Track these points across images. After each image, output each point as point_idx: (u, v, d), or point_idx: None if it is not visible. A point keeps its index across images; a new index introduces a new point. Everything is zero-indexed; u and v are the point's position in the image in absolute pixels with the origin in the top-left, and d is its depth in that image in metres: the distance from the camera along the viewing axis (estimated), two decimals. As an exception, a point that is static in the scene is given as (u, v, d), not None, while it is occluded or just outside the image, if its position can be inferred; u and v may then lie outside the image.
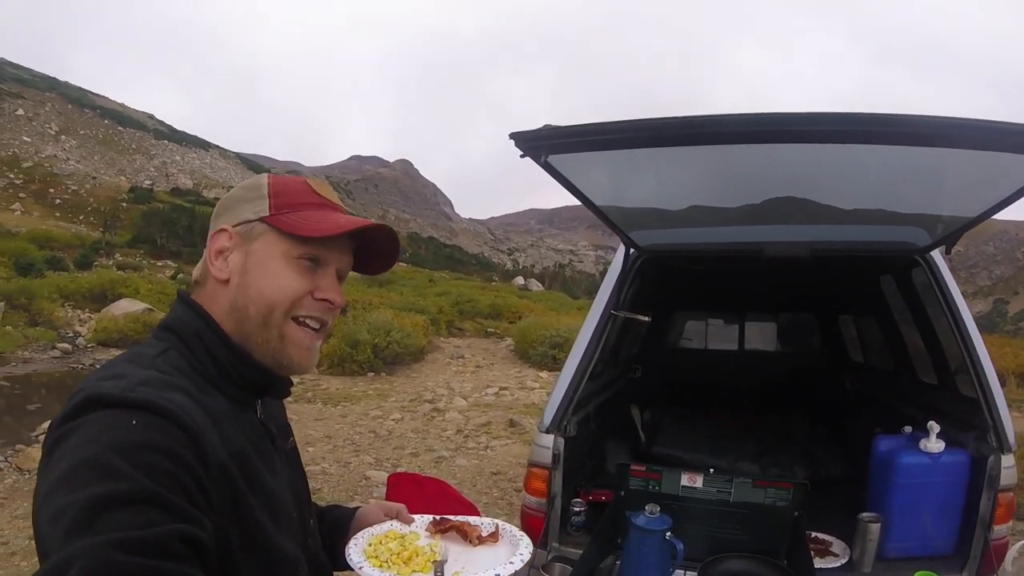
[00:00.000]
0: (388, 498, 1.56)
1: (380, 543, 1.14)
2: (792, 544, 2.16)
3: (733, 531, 2.23)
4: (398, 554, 1.10)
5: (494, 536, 1.23)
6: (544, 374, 12.48)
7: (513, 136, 1.67)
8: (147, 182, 65.03)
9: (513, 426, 8.23)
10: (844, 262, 2.97)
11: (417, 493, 1.70)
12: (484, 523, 1.26)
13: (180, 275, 22.08)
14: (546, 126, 1.66)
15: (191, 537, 0.72)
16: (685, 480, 2.31)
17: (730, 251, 2.88)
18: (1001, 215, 2.10)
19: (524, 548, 1.17)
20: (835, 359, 4.67)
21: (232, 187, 1.04)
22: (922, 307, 2.89)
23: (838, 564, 2.31)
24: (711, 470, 2.31)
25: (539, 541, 2.39)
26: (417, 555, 1.11)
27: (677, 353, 5.02)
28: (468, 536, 1.21)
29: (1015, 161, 1.55)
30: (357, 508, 1.26)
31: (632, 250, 2.85)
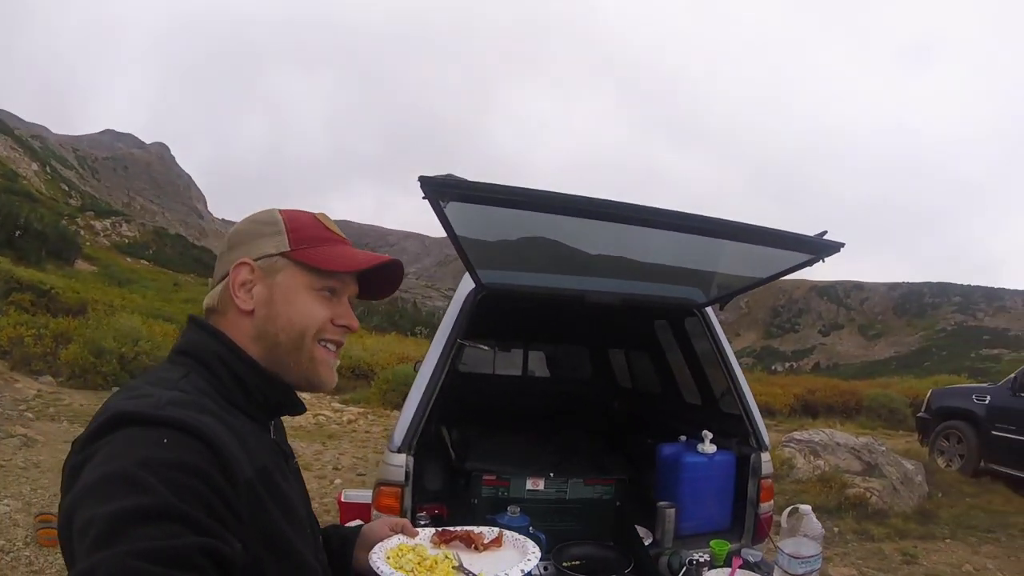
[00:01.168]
0: (342, 520, 1.59)
1: (399, 555, 1.19)
2: (618, 528, 2.63)
3: (571, 523, 2.64)
4: (419, 563, 1.16)
5: (497, 541, 1.31)
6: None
7: (421, 180, 1.90)
8: None
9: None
10: (634, 309, 3.53)
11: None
12: (486, 531, 1.34)
13: None
14: (450, 176, 1.93)
15: (213, 551, 0.75)
16: (530, 484, 2.67)
17: (555, 294, 3.30)
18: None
19: (532, 548, 1.27)
20: (605, 385, 5.45)
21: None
22: (691, 344, 3.65)
23: (647, 544, 2.82)
24: (551, 474, 2.70)
25: None
26: (437, 563, 1.17)
27: (468, 378, 5.40)
28: (473, 543, 1.28)
29: (778, 253, 2.34)
30: (360, 526, 1.31)
31: (478, 285, 3.16)
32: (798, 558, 2.00)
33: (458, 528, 1.33)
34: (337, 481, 6.84)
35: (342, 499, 3.62)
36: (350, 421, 10.48)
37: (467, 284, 3.22)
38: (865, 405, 14.68)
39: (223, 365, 0.98)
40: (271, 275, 1.03)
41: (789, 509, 2.11)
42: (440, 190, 1.94)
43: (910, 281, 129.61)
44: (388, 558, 1.18)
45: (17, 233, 24.06)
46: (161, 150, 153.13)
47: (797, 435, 8.30)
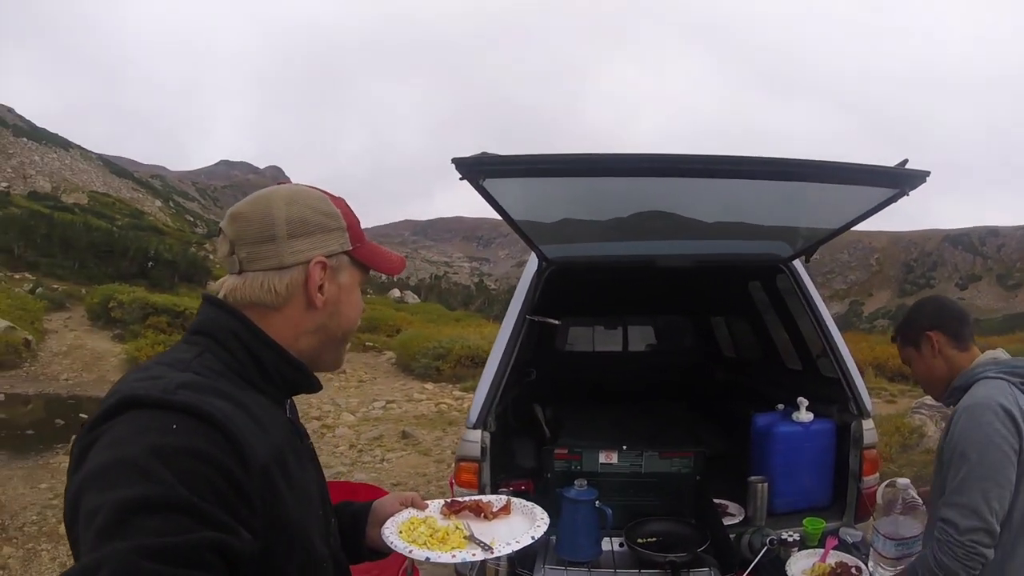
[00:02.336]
0: None
1: (411, 529, 1.19)
2: (697, 504, 2.47)
3: (647, 498, 2.51)
4: (431, 535, 1.17)
5: (506, 509, 1.31)
6: (429, 386, 12.51)
7: (455, 161, 1.90)
8: (3, 183, 57.08)
9: (406, 438, 8.26)
10: (719, 271, 3.38)
11: (351, 499, 1.73)
12: (494, 499, 1.34)
13: (39, 289, 19.72)
14: (483, 153, 1.90)
15: (223, 546, 0.73)
16: (602, 458, 2.57)
17: (625, 262, 3.21)
18: (856, 227, 2.57)
19: (541, 515, 1.27)
20: (708, 354, 5.20)
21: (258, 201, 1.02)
22: (785, 306, 3.39)
23: (736, 522, 2.65)
24: (624, 447, 2.57)
25: None
26: (448, 535, 1.18)
27: (567, 356, 5.34)
28: (483, 512, 1.28)
29: (858, 191, 2.10)
30: (371, 502, 1.29)
31: (543, 262, 3.10)
32: (895, 539, 1.78)
33: (466, 498, 1.33)
34: (454, 466, 7.01)
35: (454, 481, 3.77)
36: (470, 408, 10.70)
37: (534, 262, 3.16)
38: (1005, 361, 13.30)
39: (239, 342, 0.94)
40: (337, 274, 1.02)
41: (886, 483, 1.88)
42: (475, 168, 1.93)
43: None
44: (400, 532, 1.18)
45: (149, 264, 26.29)
46: (276, 173, 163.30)
47: (928, 400, 7.62)
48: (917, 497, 1.84)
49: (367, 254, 1.06)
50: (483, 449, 2.66)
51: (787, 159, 1.97)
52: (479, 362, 14.12)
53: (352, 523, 1.23)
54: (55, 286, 21.33)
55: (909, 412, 7.28)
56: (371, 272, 1.10)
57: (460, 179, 1.96)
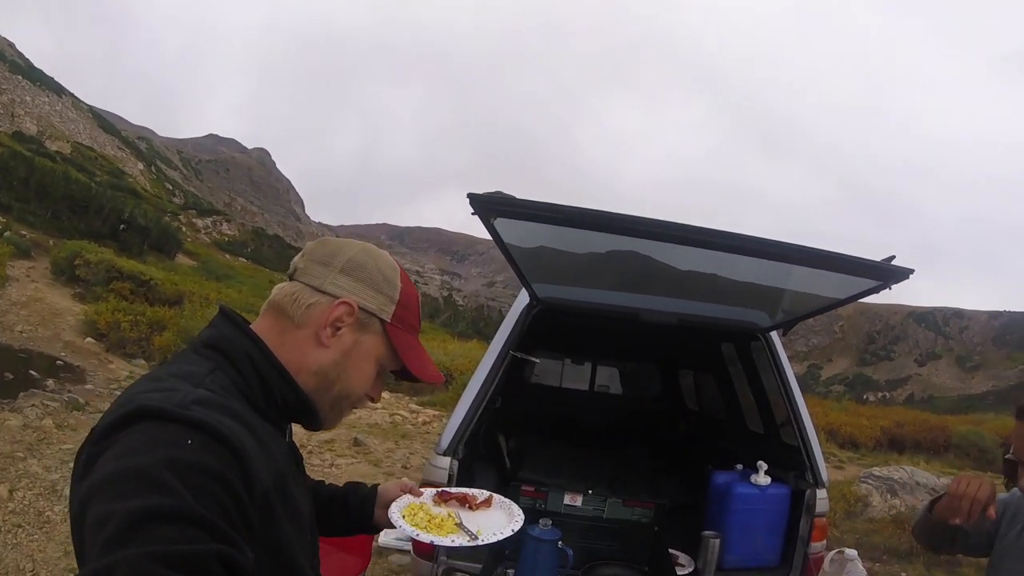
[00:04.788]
0: None
1: (412, 513, 1.33)
2: (653, 553, 2.54)
3: (606, 542, 2.57)
4: (429, 521, 1.32)
5: (488, 502, 1.47)
6: (385, 394, 12.44)
7: (470, 196, 1.98)
8: (-11, 119, 55.20)
9: (358, 445, 8.20)
10: (692, 329, 3.48)
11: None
12: (478, 493, 1.49)
13: (7, 232, 19.15)
14: (498, 193, 1.98)
15: (230, 560, 0.74)
16: (567, 499, 2.62)
17: (611, 311, 3.29)
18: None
19: (517, 512, 1.45)
20: (673, 405, 5.31)
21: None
22: (756, 372, 3.51)
23: (686, 573, 2.72)
24: (589, 491, 2.63)
25: (432, 556, 2.62)
26: (443, 521, 1.33)
27: (534, 388, 5.41)
28: (468, 503, 1.43)
29: (845, 278, 2.24)
30: (376, 485, 1.43)
31: (533, 300, 3.18)
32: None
33: (455, 490, 1.48)
34: (404, 479, 6.96)
35: None
36: (425, 423, 10.66)
37: (524, 298, 3.24)
38: (954, 442, 13.85)
39: (252, 367, 0.96)
40: (363, 331, 1.03)
41: (834, 553, 1.97)
42: (488, 207, 2.01)
43: (1012, 310, 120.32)
44: (404, 516, 1.32)
45: (121, 227, 25.80)
46: (262, 155, 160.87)
47: (876, 471, 7.85)
48: (863, 570, 1.93)
49: (402, 339, 1.07)
50: (450, 476, 2.71)
51: (785, 243, 2.11)
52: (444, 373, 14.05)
53: (360, 505, 1.37)
54: (23, 232, 20.80)
55: (856, 481, 7.47)
56: (404, 373, 1.10)
57: (472, 214, 2.03)
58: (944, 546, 1.71)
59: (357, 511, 1.36)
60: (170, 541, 0.70)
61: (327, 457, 7.52)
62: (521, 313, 3.16)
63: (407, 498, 1.39)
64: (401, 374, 1.13)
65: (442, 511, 1.38)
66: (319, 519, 1.16)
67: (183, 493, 0.73)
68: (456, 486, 2.69)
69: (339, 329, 1.01)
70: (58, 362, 9.96)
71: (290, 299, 1.02)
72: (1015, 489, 1.61)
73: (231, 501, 0.78)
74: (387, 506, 1.35)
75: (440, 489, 1.47)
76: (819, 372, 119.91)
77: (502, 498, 1.50)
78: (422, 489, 1.44)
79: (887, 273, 2.13)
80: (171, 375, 0.90)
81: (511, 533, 1.34)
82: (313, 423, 1.07)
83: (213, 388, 0.89)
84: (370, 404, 1.14)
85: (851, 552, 1.93)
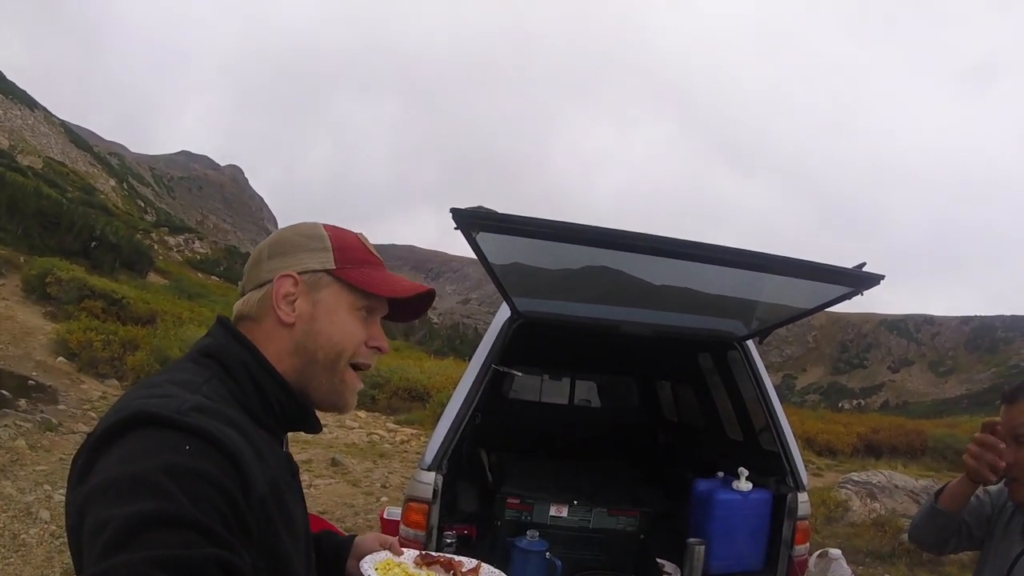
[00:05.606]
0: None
1: (386, 568, 1.24)
2: (639, 562, 2.55)
3: (593, 552, 2.58)
4: None
5: (475, 571, 1.33)
6: (363, 414, 12.31)
7: (453, 211, 1.99)
8: (-42, 131, 53.59)
9: (335, 465, 8.11)
10: (674, 340, 3.53)
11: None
12: (465, 560, 1.36)
13: None
14: (480, 208, 2.00)
15: (228, 564, 0.73)
16: (553, 510, 2.63)
17: (591, 323, 3.32)
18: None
19: None
20: (652, 416, 5.36)
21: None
22: (733, 380, 3.57)
23: (672, 580, 2.74)
24: (575, 501, 2.64)
25: None
26: None
27: (513, 403, 5.41)
28: (452, 569, 1.30)
29: (818, 285, 2.31)
30: (354, 536, 1.33)
31: (514, 314, 3.20)
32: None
33: (441, 554, 1.36)
34: (384, 499, 6.92)
35: (384, 516, 3.74)
36: (403, 441, 10.59)
37: (504, 312, 3.26)
38: (930, 446, 14.11)
39: (248, 375, 0.96)
40: (315, 291, 1.02)
41: (818, 552, 2.00)
42: (470, 221, 2.03)
43: (982, 315, 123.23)
44: (377, 569, 1.22)
45: (92, 244, 25.25)
46: (235, 172, 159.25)
47: (855, 476, 7.95)
48: (848, 568, 1.96)
49: (357, 274, 1.04)
50: (435, 491, 2.69)
51: (758, 252, 2.17)
52: (416, 396, 13.98)
53: (334, 553, 1.27)
54: (-7, 249, 20.26)
55: (835, 487, 7.56)
56: (372, 295, 1.05)
57: (454, 228, 2.04)
58: (950, 542, 1.71)
59: (330, 559, 1.26)
60: (168, 546, 0.69)
61: (305, 478, 7.41)
62: (502, 327, 3.17)
63: (385, 553, 1.29)
64: (391, 315, 1.12)
65: (422, 572, 1.27)
66: None
67: (181, 498, 0.72)
68: (440, 502, 2.70)
69: (293, 302, 1.01)
70: (30, 382, 9.74)
71: (243, 304, 1.04)
72: (999, 486, 1.65)
73: (228, 507, 0.77)
74: (361, 557, 1.26)
75: (423, 552, 1.36)
76: (794, 382, 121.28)
77: (492, 569, 1.37)
78: (403, 549, 1.33)
79: (858, 279, 2.21)
80: (168, 382, 0.90)
81: None
82: (313, 427, 1.06)
83: (210, 396, 0.89)
84: (380, 354, 1.09)
85: (835, 552, 1.97)
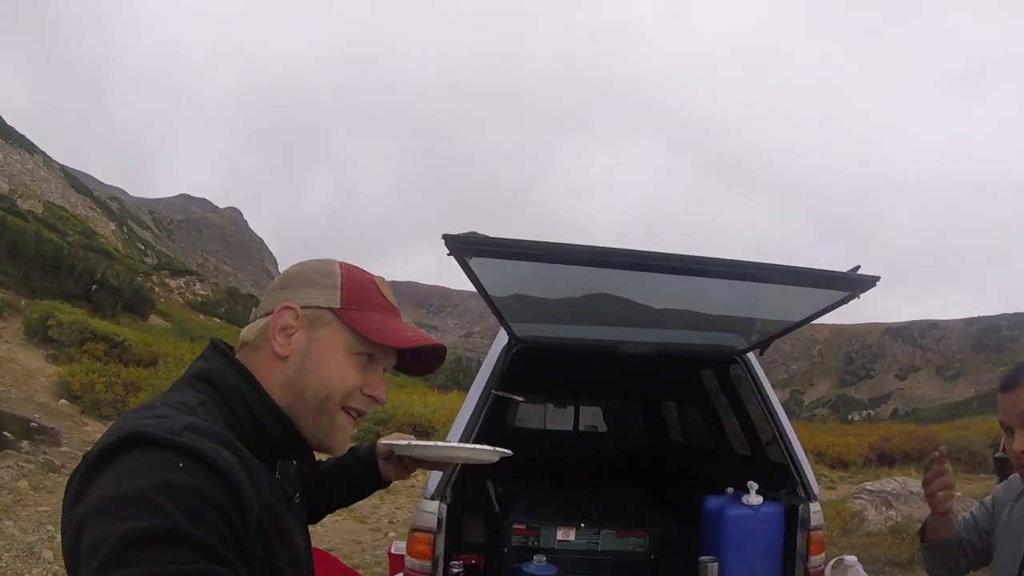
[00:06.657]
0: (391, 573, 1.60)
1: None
2: None
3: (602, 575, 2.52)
4: None
5: None
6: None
7: (445, 237, 1.98)
8: (-41, 177, 53.98)
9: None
10: (675, 358, 3.50)
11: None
12: None
13: None
14: (472, 233, 1.99)
15: None
16: (560, 535, 2.58)
17: (590, 345, 3.31)
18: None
19: None
20: (658, 438, 5.28)
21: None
22: (737, 395, 3.52)
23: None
24: (582, 524, 2.59)
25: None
26: None
27: (518, 432, 5.35)
28: None
29: (814, 292, 2.29)
30: (373, 443, 1.38)
31: (512, 339, 3.17)
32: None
33: None
34: (391, 534, 6.86)
35: (392, 551, 3.63)
36: (410, 476, 10.48)
37: (502, 338, 3.23)
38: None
39: (243, 403, 0.95)
40: (315, 327, 1.00)
41: (834, 561, 1.95)
42: (463, 246, 2.01)
43: (987, 315, 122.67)
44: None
45: (94, 287, 25.32)
46: (234, 214, 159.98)
47: (868, 485, 7.85)
48: (864, 574, 1.92)
49: (360, 317, 1.01)
50: (439, 521, 2.64)
51: (751, 262, 2.14)
52: (422, 432, 13.90)
53: (363, 464, 1.35)
54: (-6, 293, 20.29)
55: (850, 498, 7.46)
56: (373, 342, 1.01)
57: (447, 254, 2.03)
58: (960, 562, 1.70)
59: (361, 470, 1.34)
60: (166, 562, 0.69)
61: (311, 515, 7.34)
62: (500, 353, 3.14)
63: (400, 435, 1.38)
64: (402, 366, 1.10)
65: None
66: (326, 495, 1.25)
67: (177, 515, 0.72)
68: (445, 531, 2.66)
69: (290, 335, 1.00)
70: (32, 424, 9.74)
71: (247, 331, 1.04)
72: (1002, 484, 1.62)
73: (224, 524, 0.77)
74: (387, 456, 1.33)
75: None
76: (801, 397, 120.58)
77: None
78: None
79: (854, 282, 2.18)
80: (163, 404, 0.90)
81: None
82: (306, 457, 1.05)
83: (204, 417, 0.89)
84: (376, 404, 1.06)
85: (851, 559, 1.93)
